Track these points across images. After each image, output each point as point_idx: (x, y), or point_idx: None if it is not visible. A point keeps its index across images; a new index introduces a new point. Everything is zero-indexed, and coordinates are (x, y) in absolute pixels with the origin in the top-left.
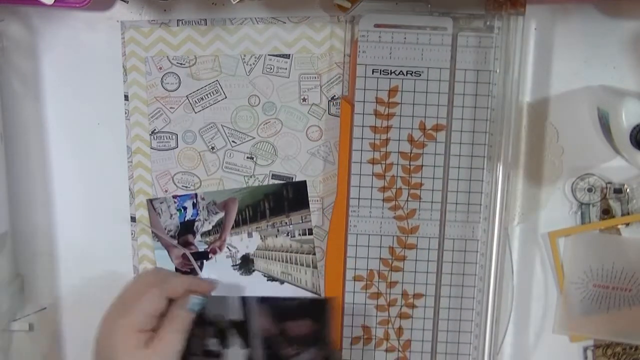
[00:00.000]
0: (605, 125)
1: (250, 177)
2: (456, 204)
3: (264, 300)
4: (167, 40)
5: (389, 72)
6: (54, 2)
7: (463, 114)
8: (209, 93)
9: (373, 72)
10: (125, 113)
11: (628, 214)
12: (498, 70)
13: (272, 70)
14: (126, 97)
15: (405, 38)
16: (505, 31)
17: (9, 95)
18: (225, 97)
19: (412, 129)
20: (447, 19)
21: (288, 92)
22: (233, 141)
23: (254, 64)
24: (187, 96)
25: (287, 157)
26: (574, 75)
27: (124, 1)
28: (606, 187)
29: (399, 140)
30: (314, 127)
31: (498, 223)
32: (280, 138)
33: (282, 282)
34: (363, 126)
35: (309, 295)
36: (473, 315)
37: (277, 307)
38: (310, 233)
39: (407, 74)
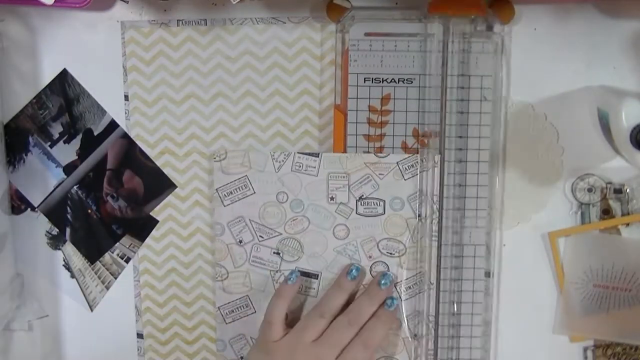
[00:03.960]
0: (605, 125)
1: (277, 272)
2: (452, 210)
3: None
4: (167, 40)
5: (381, 80)
6: (54, 2)
7: (456, 120)
8: (238, 187)
9: (365, 80)
10: (125, 113)
11: (628, 214)
12: (491, 75)
13: (300, 168)
14: (126, 97)
15: (396, 46)
16: (493, 37)
17: (9, 95)
18: (254, 193)
19: (405, 136)
20: (437, 25)
21: (316, 191)
22: (260, 236)
23: (283, 161)
24: (217, 189)
25: (313, 255)
26: (574, 75)
27: (124, 1)
28: (606, 187)
29: (393, 147)
30: (340, 225)
31: (494, 227)
32: (307, 235)
33: None
34: (357, 135)
35: None
36: (472, 320)
37: None
38: None
39: (399, 81)
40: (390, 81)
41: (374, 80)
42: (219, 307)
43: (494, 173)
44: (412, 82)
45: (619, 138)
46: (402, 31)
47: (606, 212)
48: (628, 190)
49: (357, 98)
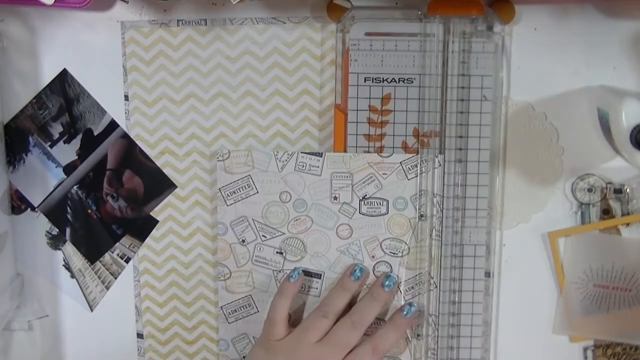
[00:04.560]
0: (605, 125)
1: (279, 271)
2: (453, 209)
3: None
4: (167, 40)
5: (381, 79)
6: (54, 2)
7: (456, 120)
8: (242, 187)
9: (365, 80)
10: (126, 113)
11: (628, 214)
12: (491, 75)
13: (304, 168)
14: (126, 97)
15: (396, 45)
16: (493, 37)
17: (9, 95)
18: (257, 192)
19: (405, 136)
20: (437, 25)
21: (319, 190)
22: (263, 235)
23: (286, 160)
24: (220, 189)
25: (316, 254)
26: (574, 75)
27: (124, 1)
28: (606, 187)
29: (393, 147)
30: (344, 225)
31: (494, 227)
32: (310, 234)
33: None
34: (357, 134)
35: None
36: (472, 320)
37: None
38: None
39: (399, 81)
40: (391, 81)
41: (374, 80)
42: (221, 307)
43: (494, 173)
44: (412, 82)
45: (619, 138)
46: (403, 31)
47: (606, 212)
48: (628, 190)
49: (357, 98)
